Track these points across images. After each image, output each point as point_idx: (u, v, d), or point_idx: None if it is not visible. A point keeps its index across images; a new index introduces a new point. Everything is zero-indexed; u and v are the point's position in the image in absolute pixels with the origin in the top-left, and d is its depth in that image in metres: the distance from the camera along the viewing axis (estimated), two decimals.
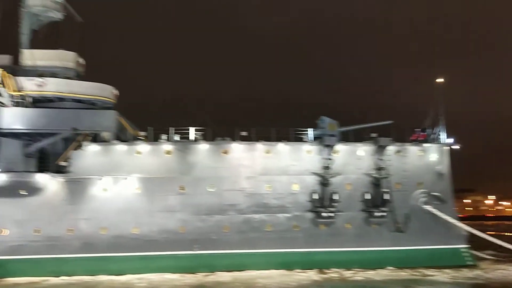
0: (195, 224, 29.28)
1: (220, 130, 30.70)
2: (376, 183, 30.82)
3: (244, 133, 30.42)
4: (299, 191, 30.30)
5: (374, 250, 30.36)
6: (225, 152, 30.15)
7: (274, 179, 30.16)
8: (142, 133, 31.67)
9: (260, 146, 30.44)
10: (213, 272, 28.58)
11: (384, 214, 30.38)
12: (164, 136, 30.47)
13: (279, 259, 29.50)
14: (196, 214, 29.33)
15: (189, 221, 29.21)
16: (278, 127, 30.92)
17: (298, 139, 31.48)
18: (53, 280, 27.26)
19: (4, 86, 30.35)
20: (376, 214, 30.30)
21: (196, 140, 30.56)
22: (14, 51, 32.92)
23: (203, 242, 29.15)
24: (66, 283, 26.79)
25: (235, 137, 30.47)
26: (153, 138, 30.62)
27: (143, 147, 29.87)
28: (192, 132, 30.73)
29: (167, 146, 29.97)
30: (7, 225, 27.78)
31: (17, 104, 30.60)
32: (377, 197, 30.62)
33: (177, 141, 30.52)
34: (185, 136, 30.77)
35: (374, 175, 30.76)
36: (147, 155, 29.73)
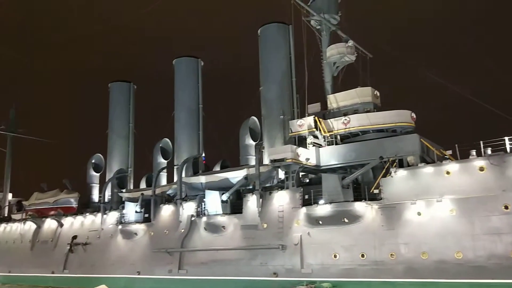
0: None
1: None
2: None
3: None
4: None
5: None
6: None
7: None
8: (448, 152, 27.72)
9: None
10: None
11: None
12: (473, 152, 25.66)
13: None
14: None
15: None
16: None
17: None
18: None
19: (318, 130, 32.54)
20: None
21: None
22: (321, 99, 35.34)
23: None
24: None
25: None
26: (461, 156, 26.23)
27: (452, 166, 26.10)
28: (508, 142, 24.75)
29: (479, 162, 25.24)
30: (337, 250, 28.64)
31: (329, 143, 32.36)
32: None
33: (490, 155, 25.19)
34: (499, 148, 25.03)
35: None
36: (458, 174, 25.77)
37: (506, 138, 25.06)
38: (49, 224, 48.52)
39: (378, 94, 34.09)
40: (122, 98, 50.64)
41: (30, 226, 50.50)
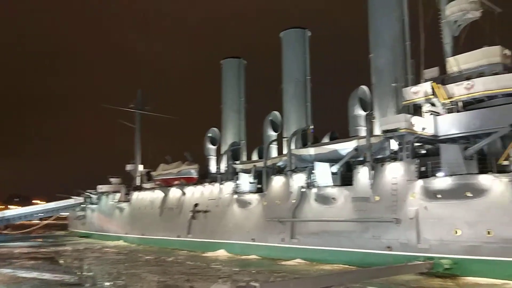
0: None
1: None
2: None
3: None
4: None
5: None
6: None
7: None
8: None
9: None
10: None
11: None
12: None
13: None
14: None
15: None
16: None
17: None
18: None
19: (436, 97, 30.06)
20: None
21: None
22: (439, 62, 32.38)
23: None
24: None
25: None
26: None
27: None
28: None
29: None
30: (459, 226, 26.70)
31: (449, 111, 29.75)
32: None
33: None
34: None
35: None
36: None
37: None
38: (174, 192, 53.41)
39: (509, 53, 29.99)
40: (233, 73, 52.57)
41: (158, 194, 56.22)
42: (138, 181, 67.93)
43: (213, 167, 53.29)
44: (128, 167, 71.47)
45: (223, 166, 48.49)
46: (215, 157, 53.66)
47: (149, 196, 58.21)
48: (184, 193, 51.51)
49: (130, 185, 66.09)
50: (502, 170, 25.79)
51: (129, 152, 72.75)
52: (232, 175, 46.45)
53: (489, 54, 29.76)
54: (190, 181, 52.85)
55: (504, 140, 26.68)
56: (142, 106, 73.25)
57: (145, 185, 62.65)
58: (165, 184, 56.00)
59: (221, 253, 42.75)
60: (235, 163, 47.40)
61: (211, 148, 54.93)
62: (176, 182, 53.98)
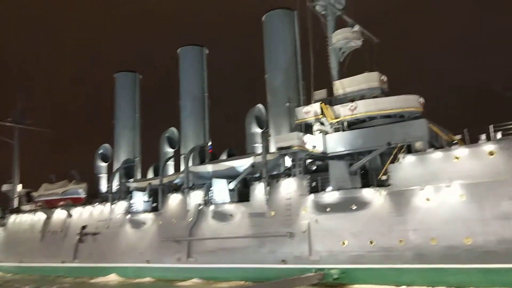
0: None
1: None
2: None
3: None
4: None
5: None
6: None
7: None
8: (457, 137, 27.40)
9: None
10: None
11: None
12: (483, 136, 25.29)
13: None
14: None
15: None
16: None
17: None
18: None
19: (325, 116, 32.27)
20: None
21: None
22: (327, 85, 34.99)
23: None
24: None
25: None
26: (471, 140, 25.91)
27: (461, 151, 25.77)
28: None
29: (489, 147, 24.87)
30: (345, 237, 28.58)
31: (336, 130, 32.12)
32: None
33: (501, 139, 24.81)
34: (510, 132, 24.67)
35: None
36: (467, 159, 25.45)
37: None
38: (58, 214, 48.91)
39: (385, 79, 33.66)
40: (127, 88, 50.56)
41: (40, 216, 50.97)
42: (16, 203, 60.85)
43: (104, 186, 50.11)
44: (4, 187, 63.68)
45: (115, 185, 45.87)
46: (106, 175, 50.57)
47: (29, 219, 52.47)
48: (70, 215, 47.46)
49: (6, 208, 58.91)
50: (381, 184, 28.40)
51: (5, 171, 65.05)
52: (125, 194, 44.11)
53: (369, 79, 33.12)
54: (77, 202, 48.88)
55: (383, 157, 29.58)
56: (21, 119, 66.30)
57: (24, 207, 56.36)
58: (49, 206, 51.02)
59: (112, 277, 40.05)
60: (129, 182, 45.18)
61: (102, 165, 51.70)
62: (61, 203, 49.52)
